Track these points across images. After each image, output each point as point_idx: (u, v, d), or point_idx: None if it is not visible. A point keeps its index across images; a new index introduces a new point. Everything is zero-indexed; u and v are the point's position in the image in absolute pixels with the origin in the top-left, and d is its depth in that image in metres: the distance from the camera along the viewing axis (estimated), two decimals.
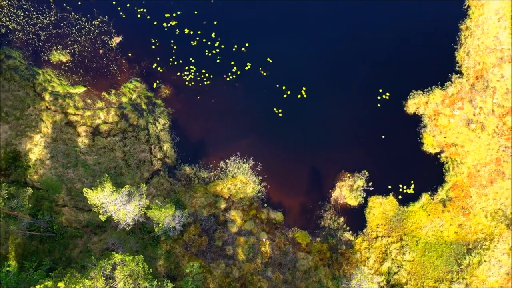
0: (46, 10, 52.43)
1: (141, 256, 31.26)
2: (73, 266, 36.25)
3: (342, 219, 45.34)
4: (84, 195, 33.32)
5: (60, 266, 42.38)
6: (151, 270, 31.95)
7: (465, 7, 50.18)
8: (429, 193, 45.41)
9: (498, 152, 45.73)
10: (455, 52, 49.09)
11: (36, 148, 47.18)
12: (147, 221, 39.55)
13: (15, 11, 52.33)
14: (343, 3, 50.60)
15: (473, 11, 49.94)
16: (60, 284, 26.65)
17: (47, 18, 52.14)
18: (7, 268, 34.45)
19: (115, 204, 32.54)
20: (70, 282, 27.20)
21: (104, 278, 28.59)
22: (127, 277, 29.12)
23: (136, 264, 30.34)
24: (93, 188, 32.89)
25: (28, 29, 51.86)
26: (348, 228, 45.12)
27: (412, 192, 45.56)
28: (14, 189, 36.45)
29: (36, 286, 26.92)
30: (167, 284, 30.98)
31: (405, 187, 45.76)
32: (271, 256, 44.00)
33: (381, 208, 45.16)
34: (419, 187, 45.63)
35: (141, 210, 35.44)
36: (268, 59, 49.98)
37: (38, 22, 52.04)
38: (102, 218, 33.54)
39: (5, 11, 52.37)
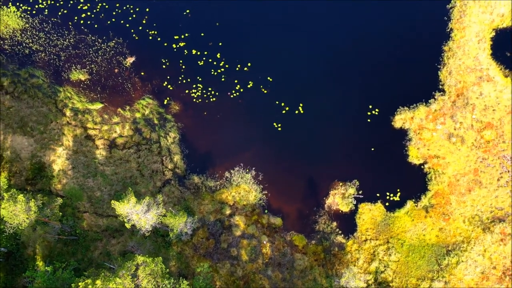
0: (66, 32, 57.86)
1: (160, 258, 36.78)
2: (104, 266, 41.62)
3: (335, 223, 50.85)
4: (112, 206, 38.81)
5: (83, 266, 48.02)
6: (167, 270, 37.47)
7: (448, 30, 55.40)
8: (413, 200, 50.80)
9: (476, 163, 51.10)
10: (439, 72, 54.31)
11: (59, 160, 52.71)
12: (161, 226, 45.06)
13: (37, 33, 57.78)
14: (337, 29, 55.87)
15: (455, 34, 55.21)
16: (98, 282, 32.17)
17: (67, 40, 57.55)
18: (46, 268, 39.99)
19: (138, 214, 38.07)
20: (104, 280, 32.69)
21: (130, 277, 34.14)
22: (148, 276, 34.65)
23: (155, 264, 35.85)
24: (120, 201, 38.38)
25: (49, 50, 57.32)
26: (340, 232, 50.60)
27: (398, 199, 50.99)
28: (46, 198, 41.94)
29: (79, 284, 32.42)
30: (182, 282, 36.46)
31: (391, 195, 51.19)
32: (271, 257, 49.57)
33: (370, 214, 50.67)
34: (405, 195, 51.02)
35: (158, 218, 40.95)
36: (269, 78, 55.34)
37: (59, 43, 57.48)
38: (128, 225, 39.08)
39: (28, 33, 57.85)
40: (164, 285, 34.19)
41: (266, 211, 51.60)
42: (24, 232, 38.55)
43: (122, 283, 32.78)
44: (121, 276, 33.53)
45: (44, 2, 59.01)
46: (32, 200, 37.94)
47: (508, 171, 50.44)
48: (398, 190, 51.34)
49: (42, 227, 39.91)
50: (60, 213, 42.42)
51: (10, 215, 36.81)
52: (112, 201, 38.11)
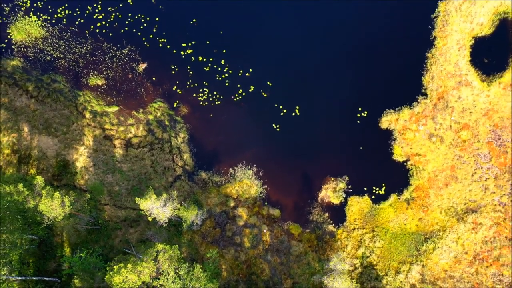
0: (83, 40, 64.22)
1: (176, 245, 43.98)
2: (130, 253, 48.95)
3: (327, 214, 58.09)
4: (137, 202, 45.95)
5: (105, 252, 55.45)
6: (182, 255, 44.74)
7: (432, 38, 61.54)
8: (397, 193, 57.87)
9: (453, 161, 57.99)
10: (422, 77, 60.63)
11: (81, 158, 59.78)
12: (174, 218, 52.28)
13: (57, 41, 64.17)
14: (330, 40, 62.03)
15: (438, 41, 61.38)
16: (129, 265, 39.40)
17: (84, 48, 63.96)
18: (81, 254, 47.36)
19: (157, 208, 45.20)
20: (133, 264, 39.93)
21: (153, 261, 41.39)
22: (167, 261, 41.89)
23: (173, 251, 43.07)
24: (142, 198, 45.48)
25: (69, 57, 63.78)
26: (331, 221, 57.87)
27: (383, 193, 58.07)
28: (76, 194, 49.09)
29: (114, 267, 39.70)
30: (196, 266, 43.69)
31: (377, 189, 58.28)
32: (270, 244, 56.99)
33: (358, 206, 57.86)
34: (389, 189, 58.05)
35: (174, 211, 48.11)
36: (268, 83, 61.84)
37: (77, 51, 63.92)
38: (150, 218, 46.24)
39: (49, 41, 64.24)
40: (181, 268, 41.43)
41: (266, 203, 58.76)
42: (60, 223, 45.75)
43: (147, 266, 40.05)
44: (146, 260, 40.81)
45: (62, 12, 65.11)
46: (66, 196, 45.10)
47: (482, 168, 57.38)
48: (383, 184, 58.32)
49: (74, 219, 47.13)
50: (88, 207, 49.61)
51: (48, 209, 43.97)
52: (136, 198, 45.20)
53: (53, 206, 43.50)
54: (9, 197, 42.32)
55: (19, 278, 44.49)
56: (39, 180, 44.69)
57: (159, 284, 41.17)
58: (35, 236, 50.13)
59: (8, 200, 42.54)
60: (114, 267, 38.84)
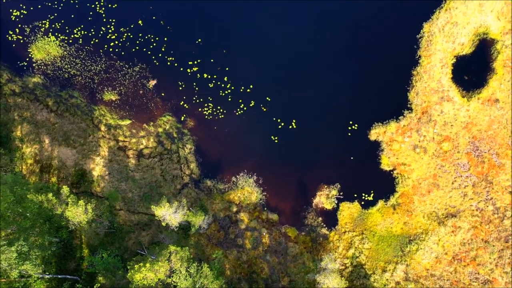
0: (98, 59, 70.88)
1: (187, 247, 50.64)
2: (143, 254, 55.66)
3: (320, 218, 64.76)
4: (152, 210, 52.67)
5: (120, 252, 62.16)
6: (191, 256, 51.49)
7: (417, 57, 67.96)
8: (384, 200, 64.47)
9: (435, 170, 64.56)
10: (408, 93, 67.03)
11: (97, 167, 66.52)
12: (183, 222, 58.99)
13: (74, 60, 70.84)
14: (326, 61, 68.52)
15: (423, 60, 67.81)
16: (147, 265, 46.05)
17: (99, 66, 70.62)
18: (102, 255, 54.07)
19: (170, 215, 51.91)
20: (151, 263, 46.60)
21: (167, 262, 48.03)
22: (178, 261, 48.54)
23: (183, 252, 49.72)
24: (157, 205, 52.17)
25: (85, 74, 70.46)
26: (324, 225, 64.55)
27: (372, 199, 64.69)
28: (96, 202, 55.83)
29: (135, 266, 46.34)
30: (204, 265, 50.29)
31: (366, 195, 64.90)
32: (269, 245, 63.72)
33: (349, 211, 64.54)
34: (377, 196, 64.61)
35: (183, 216, 54.82)
36: (268, 98, 68.37)
37: (92, 68, 70.59)
38: (163, 224, 52.92)
39: (67, 60, 70.91)
40: (191, 267, 48.10)
41: (265, 208, 65.45)
42: (84, 228, 52.48)
43: (162, 265, 46.72)
44: (161, 260, 47.48)
45: (78, 33, 71.79)
46: (88, 204, 51.84)
47: (461, 176, 64.00)
48: (372, 191, 64.94)
49: (95, 224, 53.88)
50: (108, 213, 56.40)
51: (74, 216, 50.69)
52: (152, 206, 51.96)
53: (78, 213, 50.22)
54: (40, 204, 49.06)
55: (48, 276, 51.16)
56: (65, 189, 51.38)
57: (172, 281, 47.93)
58: (59, 239, 56.85)
59: (39, 207, 49.29)
60: (135, 266, 45.52)
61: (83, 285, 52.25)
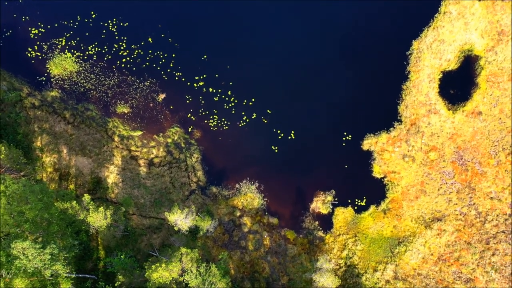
0: (111, 74, 77.36)
1: (196, 249, 57.18)
2: (154, 255, 62.25)
3: (317, 222, 71.28)
4: (166, 216, 59.23)
5: (133, 254, 68.71)
6: (200, 257, 58.05)
7: (407, 72, 74.28)
8: (375, 205, 70.90)
9: (422, 177, 71.00)
10: (398, 106, 73.48)
11: (111, 175, 73.11)
12: (192, 226, 65.59)
13: (89, 75, 77.33)
14: (322, 77, 75.00)
15: (412, 75, 74.11)
16: (163, 265, 52.62)
17: (112, 80, 77.12)
18: (121, 256, 60.66)
19: (181, 220, 58.50)
20: (166, 264, 53.14)
21: (179, 262, 54.59)
22: (189, 261, 55.11)
23: (193, 254, 56.26)
24: (170, 212, 58.74)
25: (99, 88, 76.96)
26: (320, 228, 71.04)
27: (364, 204, 71.14)
28: (114, 208, 62.43)
29: (152, 266, 52.83)
30: (212, 265, 56.79)
31: (359, 201, 71.39)
32: (270, 247, 70.30)
33: (343, 215, 71.06)
34: (369, 201, 71.07)
35: (193, 221, 61.39)
36: (268, 111, 74.82)
37: (106, 83, 77.09)
38: (176, 228, 59.52)
39: (82, 75, 77.41)
40: (201, 267, 54.68)
41: (266, 213, 71.98)
42: (104, 232, 59.07)
43: (176, 266, 53.32)
44: (174, 261, 54.07)
45: (92, 49, 78.28)
46: (108, 210, 58.46)
47: (446, 183, 70.47)
48: (364, 197, 71.43)
49: (113, 228, 60.49)
50: (124, 218, 63.03)
51: (94, 221, 57.34)
52: (166, 213, 58.54)
53: (98, 218, 56.83)
54: (64, 211, 55.72)
55: (74, 275, 57.80)
56: (87, 197, 57.95)
57: (184, 280, 54.55)
58: (79, 241, 63.49)
59: (63, 213, 55.96)
60: (152, 266, 52.14)
61: (105, 283, 58.81)
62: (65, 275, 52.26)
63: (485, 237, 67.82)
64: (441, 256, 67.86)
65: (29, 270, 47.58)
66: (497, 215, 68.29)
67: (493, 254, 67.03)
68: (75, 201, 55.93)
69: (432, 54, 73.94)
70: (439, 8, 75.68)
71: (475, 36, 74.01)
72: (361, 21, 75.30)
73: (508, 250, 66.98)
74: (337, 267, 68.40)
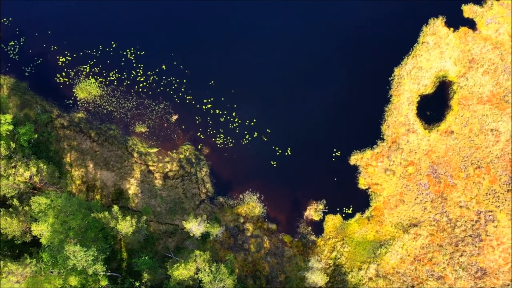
0: (130, 97, 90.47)
1: (208, 251, 70.33)
2: (170, 257, 75.49)
3: (310, 228, 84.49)
4: (183, 224, 72.45)
5: (151, 255, 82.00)
6: (210, 258, 71.36)
7: (389, 96, 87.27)
8: (360, 212, 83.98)
9: (401, 188, 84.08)
10: (381, 126, 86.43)
11: (132, 187, 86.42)
12: (203, 232, 78.85)
13: (110, 98, 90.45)
14: (315, 98, 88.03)
15: (393, 98, 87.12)
16: (183, 265, 65.81)
17: (131, 103, 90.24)
18: (145, 257, 73.87)
19: (196, 227, 71.77)
20: (184, 264, 66.37)
21: (194, 262, 67.82)
22: (202, 262, 68.33)
23: (205, 255, 69.42)
24: (186, 221, 71.94)
25: (120, 110, 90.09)
26: (313, 233, 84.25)
27: (351, 212, 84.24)
28: (136, 216, 75.72)
29: (174, 266, 65.99)
30: (220, 265, 69.85)
31: (346, 209, 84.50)
32: (269, 249, 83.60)
33: (332, 221, 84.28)
34: (355, 209, 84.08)
35: (205, 228, 74.57)
36: (268, 130, 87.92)
37: (125, 106, 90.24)
38: (191, 234, 72.72)
39: (105, 98, 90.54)
40: (212, 267, 67.93)
41: (266, 219, 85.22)
42: (130, 237, 72.39)
43: (192, 265, 66.61)
44: (190, 261, 67.36)
45: (113, 76, 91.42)
46: (133, 218, 71.78)
47: (422, 194, 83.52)
48: (351, 206, 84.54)
49: (138, 234, 73.81)
50: (146, 225, 76.36)
51: (123, 228, 70.68)
52: (183, 222, 71.78)
53: (126, 225, 70.18)
54: (98, 219, 69.08)
55: (108, 273, 71.10)
56: (115, 208, 71.22)
57: (198, 277, 67.96)
58: (109, 245, 76.92)
59: (97, 221, 69.35)
60: (174, 265, 65.63)
61: (134, 280, 71.92)
62: (102, 273, 65.57)
63: (455, 240, 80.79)
64: (416, 257, 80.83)
65: (78, 268, 60.99)
66: (465, 221, 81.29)
67: (461, 255, 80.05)
68: (107, 212, 69.19)
69: (411, 80, 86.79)
70: (418, 39, 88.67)
71: (449, 63, 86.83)
72: (348, 50, 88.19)
73: (475, 251, 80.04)
74: (327, 266, 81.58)
